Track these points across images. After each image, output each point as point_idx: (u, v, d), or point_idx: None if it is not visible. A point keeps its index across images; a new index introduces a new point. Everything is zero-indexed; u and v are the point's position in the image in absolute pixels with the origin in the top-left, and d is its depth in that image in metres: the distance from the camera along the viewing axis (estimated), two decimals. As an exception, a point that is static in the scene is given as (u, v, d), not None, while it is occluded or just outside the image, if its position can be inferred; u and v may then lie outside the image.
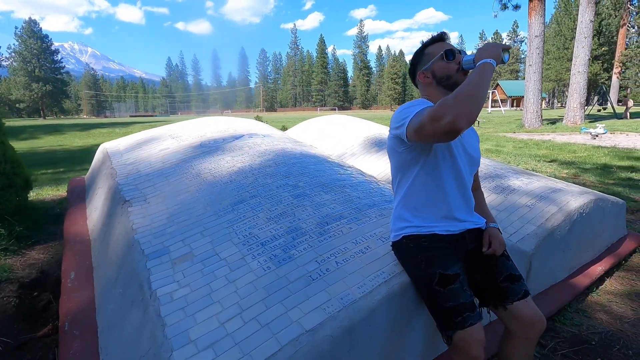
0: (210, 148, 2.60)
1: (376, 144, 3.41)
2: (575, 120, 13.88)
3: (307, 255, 1.40)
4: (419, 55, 1.28)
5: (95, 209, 2.35)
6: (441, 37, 1.26)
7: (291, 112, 72.94)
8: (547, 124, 14.79)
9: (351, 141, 3.56)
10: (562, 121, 14.79)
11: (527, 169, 5.75)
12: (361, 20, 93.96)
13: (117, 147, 2.88)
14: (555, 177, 5.11)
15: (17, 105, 62.11)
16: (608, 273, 2.54)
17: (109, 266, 1.70)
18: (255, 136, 2.85)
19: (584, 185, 4.67)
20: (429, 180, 1.17)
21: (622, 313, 2.15)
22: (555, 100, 54.41)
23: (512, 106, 48.70)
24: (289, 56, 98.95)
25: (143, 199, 1.99)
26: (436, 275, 1.12)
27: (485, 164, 2.89)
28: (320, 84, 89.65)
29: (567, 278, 2.27)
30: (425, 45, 1.27)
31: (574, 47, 13.78)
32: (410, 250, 1.21)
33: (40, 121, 40.84)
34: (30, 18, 62.70)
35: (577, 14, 15.42)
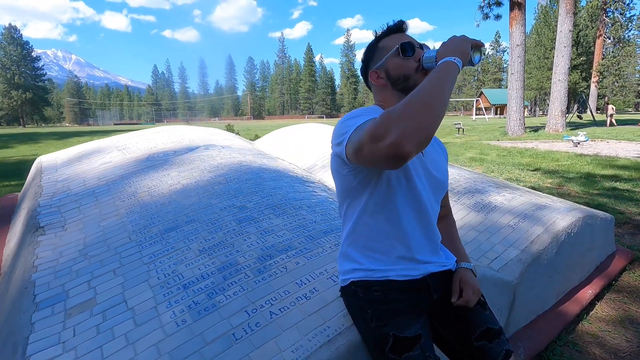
0: (157, 162, 2.30)
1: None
2: (557, 127, 14.01)
3: (236, 302, 1.11)
4: (372, 49, 1.01)
5: (14, 236, 2.01)
6: (399, 27, 0.99)
7: (278, 120, 72.80)
8: (530, 131, 14.91)
9: (323, 151, 3.29)
10: (544, 129, 14.93)
11: (510, 179, 5.59)
12: (348, 30, 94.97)
13: (54, 161, 2.54)
14: (539, 187, 4.95)
15: (-6, 113, 60.17)
16: (598, 296, 2.32)
17: (0, 314, 1.37)
18: (212, 147, 2.56)
19: (568, 195, 4.51)
20: (380, 212, 0.90)
21: (616, 345, 1.92)
22: (537, 108, 55.70)
23: (496, 114, 49.56)
24: (277, 64, 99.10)
25: (61, 225, 1.67)
26: (389, 338, 0.85)
27: (465, 177, 2.66)
28: (308, 92, 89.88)
29: (555, 306, 2.03)
30: (379, 38, 1.01)
31: (554, 56, 13.98)
32: (359, 300, 0.93)
33: (18, 129, 39.54)
34: (10, 24, 61.25)
35: (556, 25, 15.73)
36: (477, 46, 0.85)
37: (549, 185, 5.19)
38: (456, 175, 2.69)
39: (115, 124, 75.63)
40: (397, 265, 0.92)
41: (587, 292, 2.24)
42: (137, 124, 76.18)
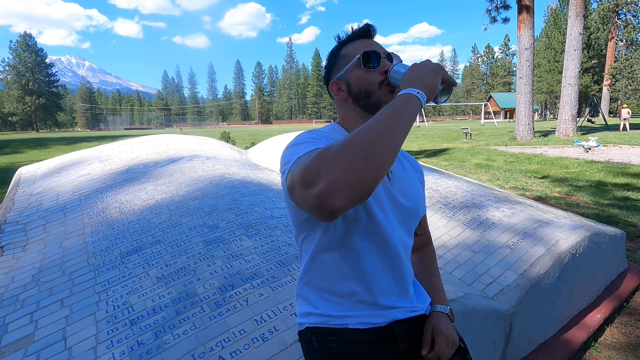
0: (136, 174, 2.20)
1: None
2: (567, 132, 13.67)
3: (184, 343, 0.98)
4: (334, 56, 0.87)
5: (-17, 252, 1.92)
6: (365, 32, 0.84)
7: (286, 125, 73.04)
8: (539, 136, 14.59)
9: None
10: (554, 133, 14.58)
11: (516, 187, 5.39)
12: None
13: (33, 172, 2.46)
14: (546, 197, 4.74)
15: (9, 118, 61.64)
16: (608, 320, 2.14)
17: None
18: (196, 158, 2.46)
19: (577, 206, 4.30)
20: (337, 250, 0.76)
21: (627, 378, 1.74)
22: (548, 112, 54.78)
23: (505, 118, 48.87)
24: (285, 69, 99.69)
25: (21, 246, 1.57)
26: (344, 403, 0.71)
27: (463, 190, 2.50)
28: (316, 96, 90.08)
29: (559, 333, 1.86)
30: (342, 43, 0.87)
31: (564, 59, 13.68)
32: (313, 353, 0.80)
33: (31, 134, 40.39)
34: (24, 32, 62.92)
35: (566, 28, 15.42)
36: (449, 84, 0.71)
37: (556, 194, 4.97)
38: (453, 187, 2.54)
39: (125, 129, 76.81)
40: (357, 310, 0.78)
41: (595, 317, 2.06)
42: (147, 128, 77.32)
